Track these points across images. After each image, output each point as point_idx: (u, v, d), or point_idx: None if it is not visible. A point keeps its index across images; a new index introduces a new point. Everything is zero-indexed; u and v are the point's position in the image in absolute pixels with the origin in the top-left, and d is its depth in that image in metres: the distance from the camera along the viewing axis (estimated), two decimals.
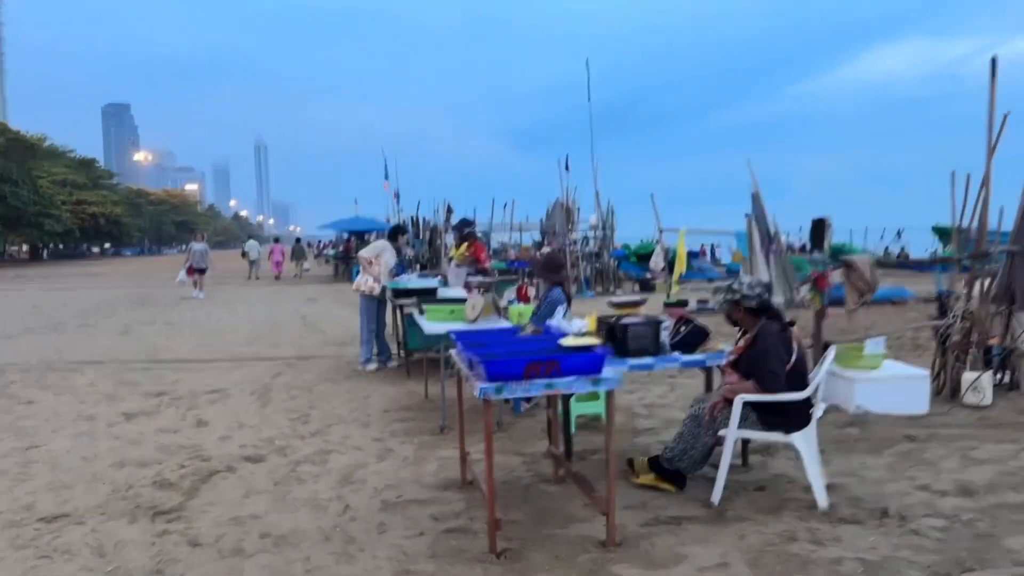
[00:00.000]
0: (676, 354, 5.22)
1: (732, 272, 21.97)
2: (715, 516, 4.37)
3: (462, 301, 7.45)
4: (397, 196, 30.95)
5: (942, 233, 20.41)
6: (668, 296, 14.97)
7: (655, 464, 4.90)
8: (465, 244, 10.29)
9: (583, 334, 5.13)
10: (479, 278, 9.40)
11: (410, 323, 8.92)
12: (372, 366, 9.27)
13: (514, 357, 3.88)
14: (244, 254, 33.60)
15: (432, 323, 6.58)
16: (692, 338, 5.29)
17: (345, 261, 31.10)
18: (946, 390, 6.98)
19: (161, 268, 45.88)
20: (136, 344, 12.19)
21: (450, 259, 14.08)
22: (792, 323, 4.74)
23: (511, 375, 3.79)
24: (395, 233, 9.86)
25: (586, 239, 19.83)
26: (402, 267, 11.94)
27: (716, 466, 4.69)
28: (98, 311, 18.25)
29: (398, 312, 9.56)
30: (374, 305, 9.28)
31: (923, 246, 38.40)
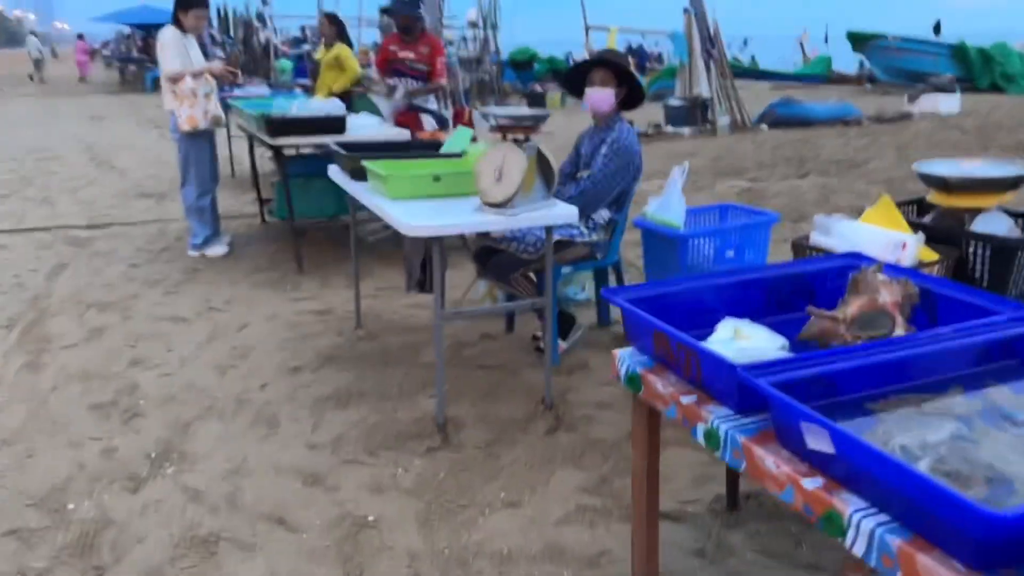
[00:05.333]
0: None
1: None
2: None
3: (425, 149, 3.94)
4: None
5: (857, 39, 18.32)
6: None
7: None
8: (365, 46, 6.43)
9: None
10: (427, 102, 5.80)
11: (296, 176, 5.24)
12: (218, 249, 5.55)
13: None
14: (54, 53, 33.32)
15: (398, 202, 3.09)
16: None
17: (136, 63, 25.04)
18: None
19: None
20: None
21: (314, 63, 9.92)
22: None
23: None
24: (179, 7, 5.15)
25: (464, 40, 15.81)
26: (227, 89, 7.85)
27: None
28: None
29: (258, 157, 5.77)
30: (205, 146, 5.38)
31: (774, 55, 37.13)
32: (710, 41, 12.19)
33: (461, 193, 3.27)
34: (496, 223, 3.00)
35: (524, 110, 3.09)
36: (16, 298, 4.67)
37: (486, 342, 4.00)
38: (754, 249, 3.04)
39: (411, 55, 5.77)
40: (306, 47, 21.51)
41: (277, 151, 5.03)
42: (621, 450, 2.89)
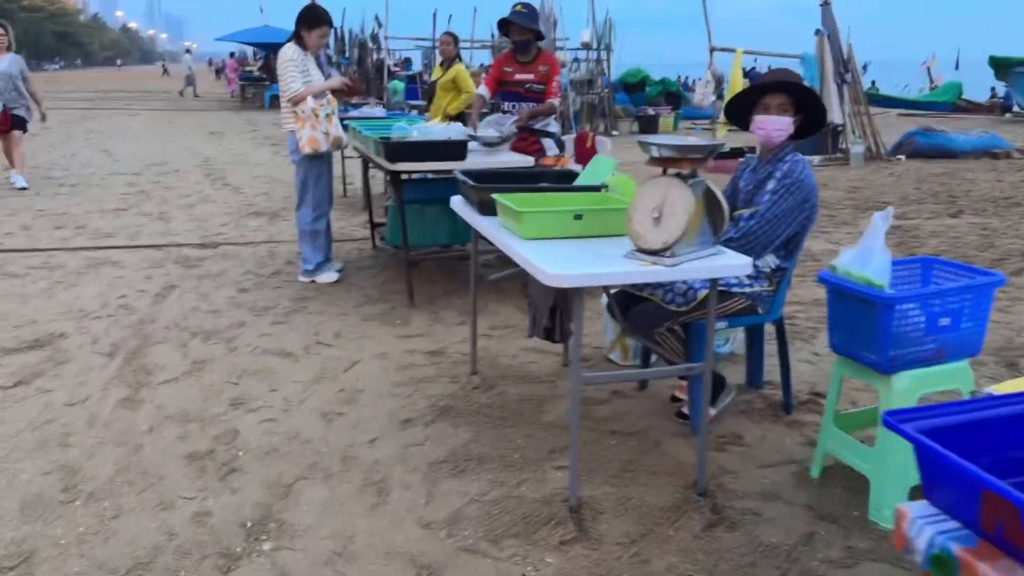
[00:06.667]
0: None
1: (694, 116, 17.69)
2: None
3: (559, 179, 3.52)
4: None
5: (1000, 65, 17.02)
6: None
7: None
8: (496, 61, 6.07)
9: None
10: (548, 125, 5.44)
11: (411, 202, 4.91)
12: (329, 276, 5.26)
13: None
14: (165, 70, 37.11)
15: (533, 243, 2.66)
16: None
17: (257, 81, 25.81)
18: None
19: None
20: None
21: (428, 84, 9.73)
22: None
23: None
24: (303, 24, 4.95)
25: (576, 61, 15.42)
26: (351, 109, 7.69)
27: None
28: None
29: (383, 183, 5.47)
30: (324, 168, 5.14)
31: (892, 80, 35.37)
32: (843, 65, 11.40)
33: (605, 233, 2.82)
34: (652, 274, 2.52)
35: (691, 140, 2.58)
36: (121, 322, 4.48)
37: (617, 401, 3.51)
38: (973, 317, 2.46)
39: (530, 76, 5.31)
40: (415, 68, 21.68)
41: (395, 176, 4.71)
42: (801, 563, 2.34)
